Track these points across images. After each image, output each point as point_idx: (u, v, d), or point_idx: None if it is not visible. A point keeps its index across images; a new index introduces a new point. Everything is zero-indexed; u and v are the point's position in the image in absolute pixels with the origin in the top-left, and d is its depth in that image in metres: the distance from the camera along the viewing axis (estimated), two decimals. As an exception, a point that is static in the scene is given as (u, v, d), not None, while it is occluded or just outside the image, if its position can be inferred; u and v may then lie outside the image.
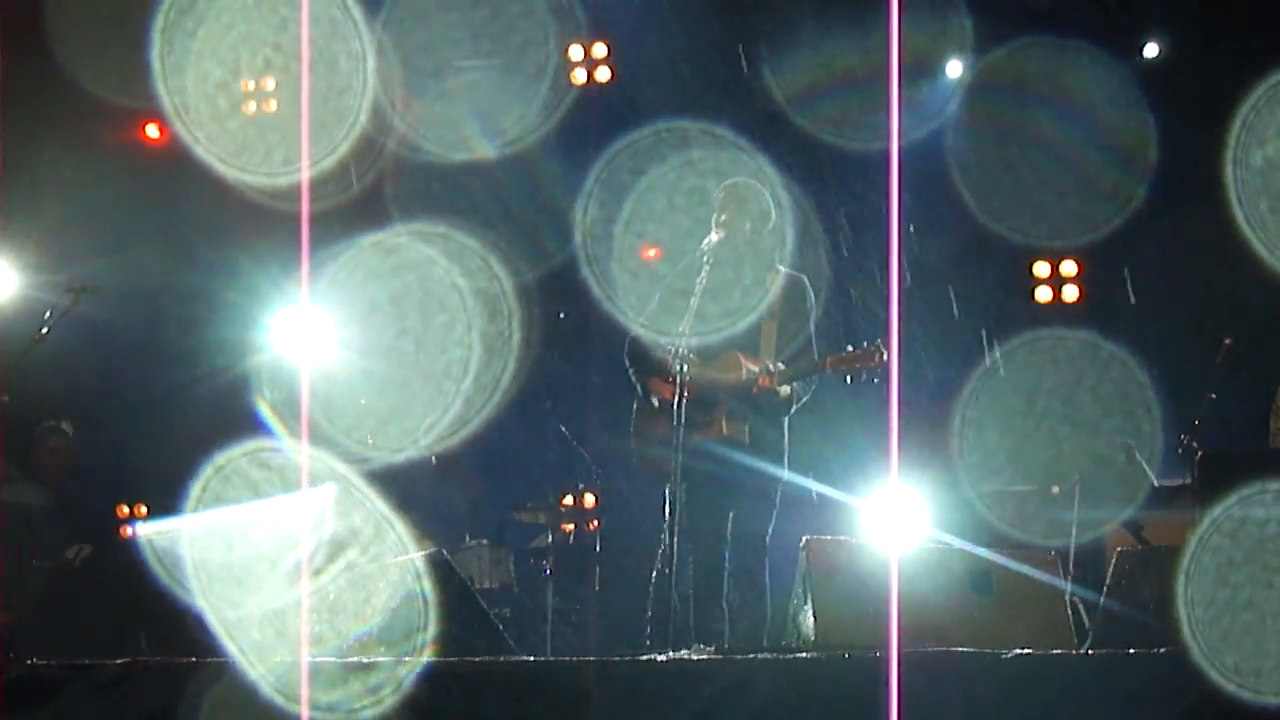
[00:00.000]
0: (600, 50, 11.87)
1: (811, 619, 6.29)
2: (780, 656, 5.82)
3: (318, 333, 10.89)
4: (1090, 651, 6.13)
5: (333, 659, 5.78)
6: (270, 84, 11.74)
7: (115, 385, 11.88)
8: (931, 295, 11.08)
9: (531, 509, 11.11)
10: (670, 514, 6.90)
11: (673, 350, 7.03)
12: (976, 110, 11.24)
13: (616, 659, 5.91)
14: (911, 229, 10.68)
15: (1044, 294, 11.45)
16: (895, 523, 8.57)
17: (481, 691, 5.45)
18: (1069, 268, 11.40)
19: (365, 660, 5.67)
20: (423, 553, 6.47)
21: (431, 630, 6.06)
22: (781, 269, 7.46)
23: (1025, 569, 6.48)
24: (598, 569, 10.57)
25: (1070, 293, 11.42)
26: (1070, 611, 6.55)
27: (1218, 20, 10.69)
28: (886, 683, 5.14)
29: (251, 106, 11.77)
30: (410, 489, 9.78)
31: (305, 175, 9.76)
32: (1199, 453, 6.42)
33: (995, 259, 11.44)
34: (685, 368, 6.98)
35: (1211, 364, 8.45)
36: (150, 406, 11.89)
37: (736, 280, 7.32)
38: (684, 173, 10.56)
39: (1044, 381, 10.61)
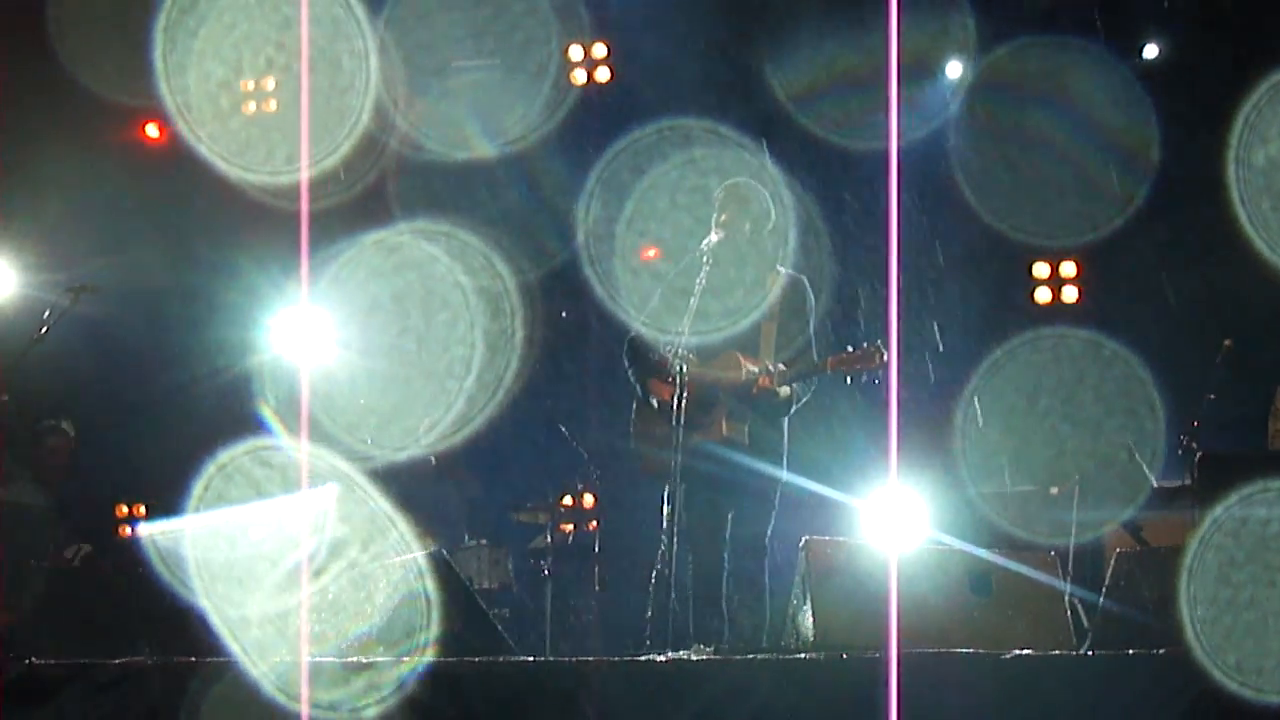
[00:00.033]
0: (600, 50, 11.88)
1: (810, 619, 6.29)
2: (779, 657, 5.83)
3: (319, 332, 10.90)
4: (1089, 652, 6.13)
5: (333, 659, 5.79)
6: (270, 84, 11.74)
7: (115, 385, 11.88)
8: (931, 296, 11.08)
9: (531, 509, 11.12)
10: (669, 514, 6.90)
11: (672, 350, 7.03)
12: (977, 110, 11.24)
13: (616, 659, 5.91)
14: (911, 229, 10.68)
15: (1043, 295, 11.45)
16: (894, 523, 8.58)
17: (480, 691, 5.46)
18: (1068, 269, 11.40)
19: (365, 660, 5.68)
20: (423, 552, 6.47)
21: (432, 630, 6.06)
22: (782, 270, 7.45)
23: (1025, 570, 6.48)
24: (597, 569, 10.57)
25: (1069, 294, 11.42)
26: (1069, 612, 6.54)
27: (1217, 21, 10.69)
28: (886, 683, 5.14)
29: (251, 106, 11.78)
30: (409, 489, 9.79)
31: (305, 174, 9.76)
32: (1198, 454, 6.41)
33: (995, 260, 11.45)
34: (685, 367, 6.98)
35: (1211, 365, 8.45)
36: (150, 406, 11.89)
37: (736, 280, 7.32)
38: (686, 171, 10.56)
39: (1045, 381, 10.61)
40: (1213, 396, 8.38)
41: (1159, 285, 10.91)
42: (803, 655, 5.99)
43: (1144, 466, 9.02)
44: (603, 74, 11.90)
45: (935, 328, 10.99)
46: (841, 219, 10.98)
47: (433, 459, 10.61)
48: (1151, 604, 6.17)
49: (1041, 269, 11.43)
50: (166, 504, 8.05)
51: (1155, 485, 8.88)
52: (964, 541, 7.17)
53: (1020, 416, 10.52)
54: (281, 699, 5.37)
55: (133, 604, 6.99)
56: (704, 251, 7.21)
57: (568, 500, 11.19)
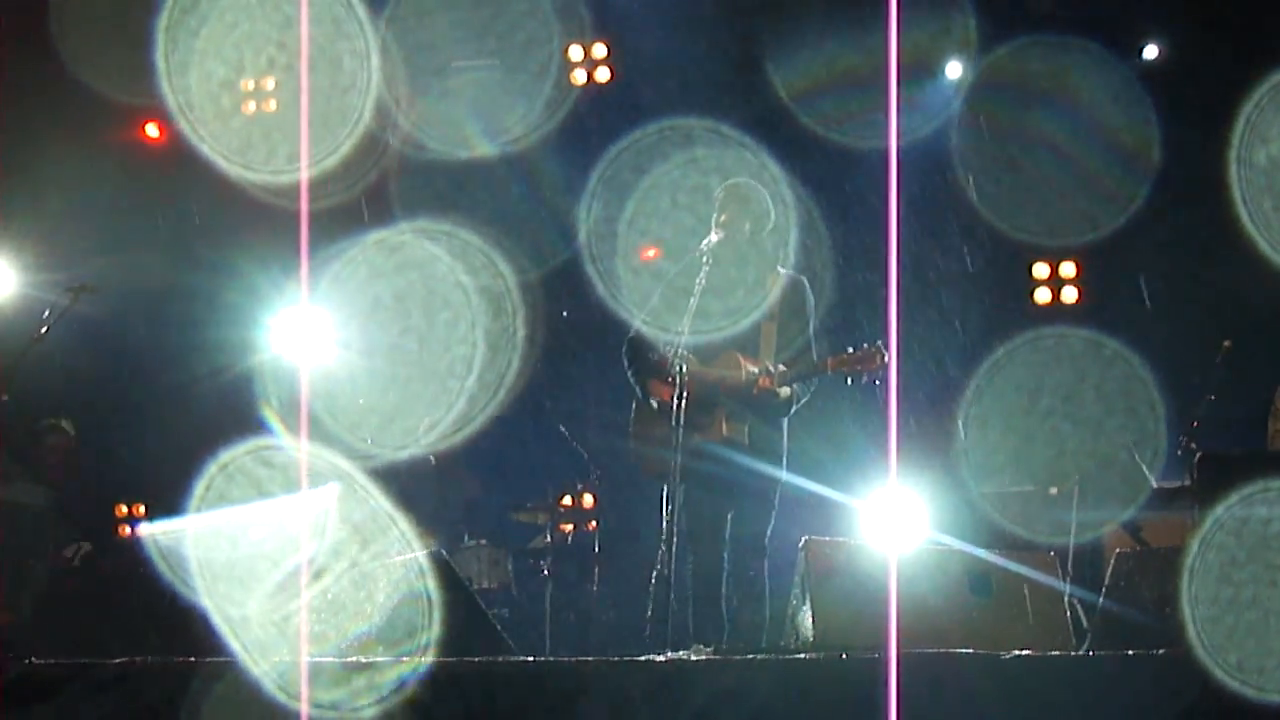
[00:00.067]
0: (600, 50, 11.88)
1: (810, 620, 6.29)
2: (779, 657, 5.83)
3: (321, 331, 10.90)
4: (1089, 653, 6.14)
5: (333, 658, 5.79)
6: (270, 83, 11.74)
7: (114, 385, 11.89)
8: (931, 296, 11.08)
9: (530, 509, 11.12)
10: (669, 515, 6.90)
11: (672, 350, 7.03)
12: (977, 110, 11.24)
13: (615, 659, 5.91)
14: (911, 229, 10.68)
15: (1043, 295, 11.44)
16: (894, 524, 8.58)
17: (480, 692, 5.45)
18: (1068, 269, 11.40)
19: (365, 660, 5.68)
20: (423, 552, 6.48)
21: (432, 630, 6.06)
22: (782, 270, 7.45)
23: (1024, 570, 6.48)
24: (596, 569, 10.57)
25: (1069, 294, 11.42)
26: (1069, 613, 6.55)
27: (1216, 22, 10.69)
28: (885, 684, 5.14)
29: (251, 106, 11.78)
30: (409, 489, 9.80)
31: (304, 174, 9.76)
32: (1197, 454, 6.41)
33: (995, 260, 11.45)
34: (685, 368, 6.98)
35: (1210, 366, 8.45)
36: (149, 406, 11.90)
37: (736, 280, 7.32)
38: (687, 171, 10.56)
39: (1046, 381, 10.61)
40: (1212, 397, 8.39)
41: (1159, 285, 10.91)
42: (802, 655, 5.99)
43: (1143, 467, 9.03)
44: (603, 74, 11.90)
45: (942, 329, 11.01)
46: (842, 219, 10.97)
47: (432, 459, 10.61)
48: (1151, 604, 6.18)
49: (1041, 269, 11.42)
50: (166, 504, 8.06)
51: (1155, 486, 8.88)
52: (963, 542, 7.18)
53: (1020, 416, 10.52)
54: (282, 698, 5.37)
55: (134, 603, 7.00)
56: (704, 251, 7.21)
57: (567, 500, 11.19)
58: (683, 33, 11.36)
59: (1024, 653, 5.62)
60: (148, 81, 10.67)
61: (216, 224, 11.74)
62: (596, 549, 10.64)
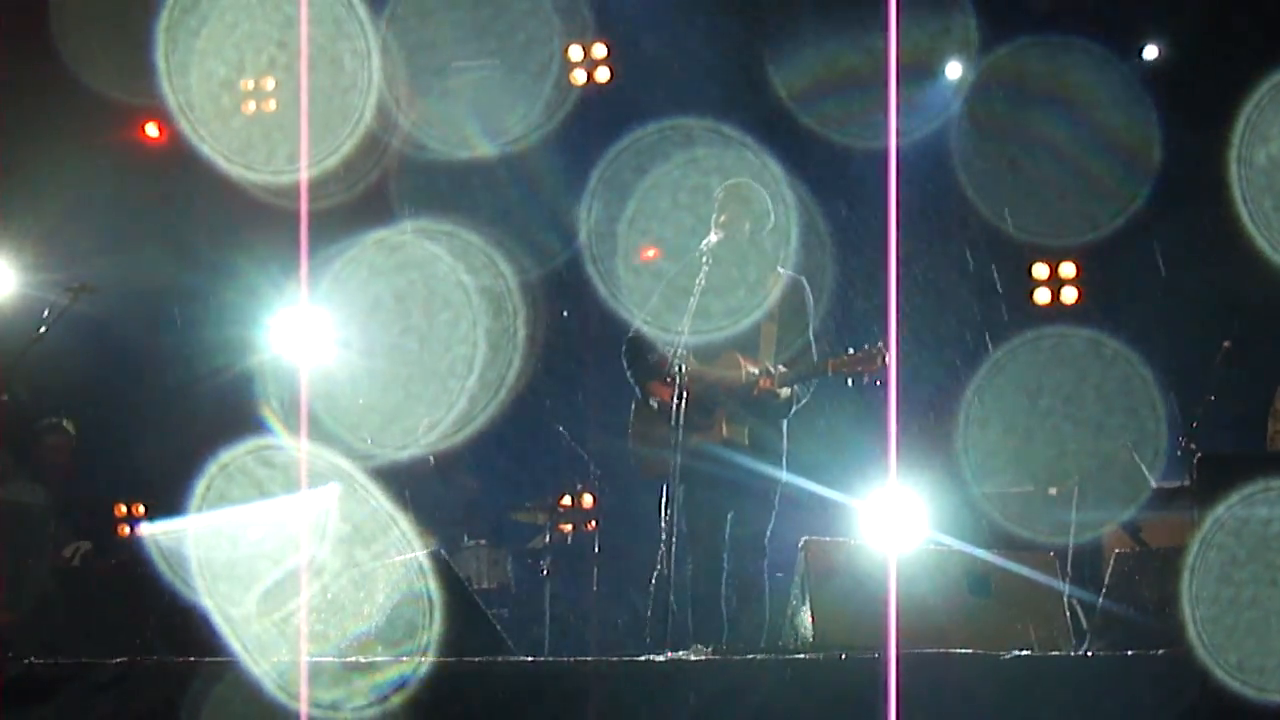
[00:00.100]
0: (600, 51, 11.88)
1: (810, 620, 6.29)
2: (778, 657, 5.83)
3: (322, 331, 10.90)
4: (1088, 653, 6.14)
5: (332, 658, 5.79)
6: (270, 83, 11.75)
7: (114, 384, 11.90)
8: (931, 296, 11.08)
9: (530, 509, 11.11)
10: (668, 515, 6.90)
11: (672, 350, 7.03)
12: (977, 110, 11.24)
13: (615, 659, 5.92)
14: (912, 230, 10.68)
15: (1043, 296, 11.44)
16: (893, 524, 8.58)
17: (480, 691, 5.46)
18: (1068, 269, 11.40)
19: (365, 659, 5.68)
20: (421, 551, 6.48)
21: (432, 630, 6.06)
22: (782, 271, 7.45)
23: (1023, 570, 6.48)
24: (596, 570, 10.56)
25: (1069, 295, 11.41)
26: (1068, 613, 6.55)
27: (1216, 22, 10.69)
28: (884, 684, 5.14)
29: (251, 105, 11.78)
30: (409, 488, 9.80)
31: (304, 174, 9.76)
32: (1197, 455, 6.41)
33: (995, 260, 11.45)
34: (684, 368, 6.97)
35: (1210, 366, 8.45)
36: (149, 405, 11.90)
37: (737, 280, 7.32)
38: (688, 171, 10.56)
39: (1046, 381, 10.61)
40: (1212, 397, 8.39)
41: (1159, 286, 10.91)
42: (802, 655, 5.99)
43: (1143, 468, 9.03)
44: (602, 74, 11.90)
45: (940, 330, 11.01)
46: (842, 219, 10.98)
47: (432, 459, 10.61)
48: (1150, 604, 6.18)
49: (1041, 270, 11.42)
50: (166, 503, 8.06)
51: (1154, 486, 8.88)
52: (963, 542, 7.18)
53: (1020, 417, 10.52)
54: (282, 698, 5.37)
55: (134, 603, 7.00)
56: (704, 251, 7.21)
57: (566, 500, 11.19)
58: (682, 33, 11.36)
59: (1023, 653, 5.63)
60: (147, 81, 10.67)
61: (216, 224, 11.74)
62: (596, 549, 10.64)
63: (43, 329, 8.64)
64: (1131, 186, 10.66)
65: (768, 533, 7.26)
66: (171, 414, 11.66)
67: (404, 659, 5.62)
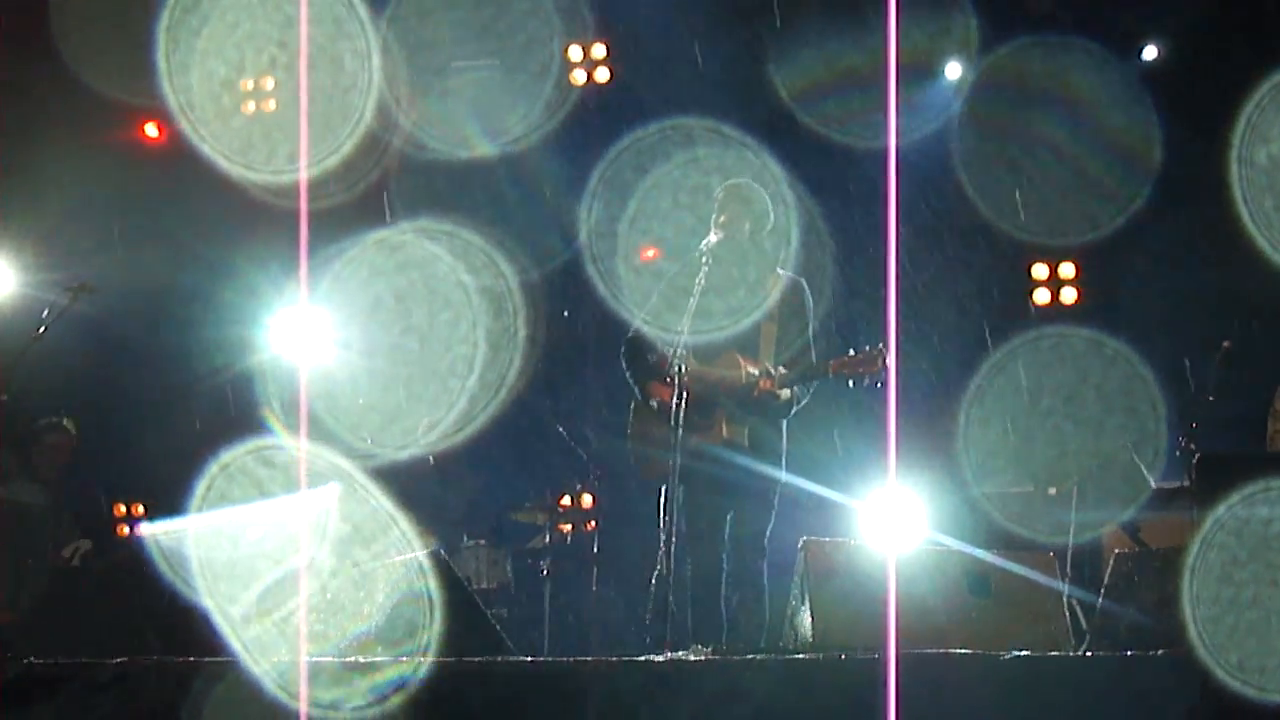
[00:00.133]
0: (599, 51, 11.88)
1: (809, 620, 6.29)
2: (778, 658, 5.83)
3: (322, 331, 10.90)
4: (1087, 653, 6.14)
5: (332, 658, 5.79)
6: (269, 83, 11.75)
7: (113, 384, 11.89)
8: (931, 296, 11.08)
9: (529, 509, 11.11)
10: (668, 515, 6.91)
11: (671, 351, 7.02)
12: (977, 111, 11.23)
13: (614, 659, 5.91)
14: (912, 230, 10.69)
15: (1042, 296, 11.43)
16: (893, 524, 8.58)
17: (479, 692, 5.46)
18: (1067, 270, 11.39)
19: (364, 659, 5.68)
20: (420, 551, 6.48)
21: (432, 629, 6.06)
22: (782, 272, 7.45)
23: (1023, 571, 6.48)
24: (595, 570, 10.56)
25: (1068, 295, 11.41)
26: (1068, 613, 6.55)
27: (1215, 22, 10.69)
28: (884, 684, 5.14)
29: (251, 105, 11.78)
30: (408, 488, 9.78)
31: (303, 174, 9.77)
32: (1196, 455, 6.41)
33: (994, 261, 11.45)
34: (684, 368, 6.97)
35: (1210, 366, 8.45)
36: (148, 405, 11.90)
37: (736, 281, 7.31)
38: (688, 171, 10.56)
39: (1046, 381, 10.61)
40: (1211, 398, 8.39)
41: (1158, 286, 10.91)
42: (801, 656, 5.99)
43: (1143, 469, 9.03)
44: (602, 74, 11.90)
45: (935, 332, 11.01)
46: (843, 219, 10.97)
47: (431, 459, 10.61)
48: (1149, 605, 6.18)
49: (1041, 270, 11.41)
50: (165, 503, 8.06)
51: (1154, 486, 8.88)
52: (962, 542, 7.17)
53: (1020, 417, 10.52)
54: (282, 698, 5.37)
55: (134, 603, 7.00)
56: (703, 251, 7.21)
57: (566, 500, 11.19)
58: (682, 33, 11.36)
59: (1023, 653, 5.62)
60: (147, 81, 10.67)
61: (216, 224, 11.74)
62: (595, 549, 10.64)
63: (42, 328, 8.65)
64: (1131, 186, 10.66)
65: (767, 533, 7.26)
66: (171, 414, 11.66)
67: (404, 659, 5.62)
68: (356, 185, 11.17)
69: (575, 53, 11.87)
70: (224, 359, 11.38)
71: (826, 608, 6.28)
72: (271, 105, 11.79)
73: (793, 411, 7.32)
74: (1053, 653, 6.08)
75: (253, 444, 7.89)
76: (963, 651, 5.74)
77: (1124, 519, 8.60)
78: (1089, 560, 8.60)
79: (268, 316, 11.12)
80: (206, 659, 5.71)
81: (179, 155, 11.34)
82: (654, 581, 6.87)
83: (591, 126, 11.69)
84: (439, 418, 10.58)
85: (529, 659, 6.11)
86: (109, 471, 11.45)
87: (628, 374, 7.43)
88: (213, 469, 7.68)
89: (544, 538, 11.02)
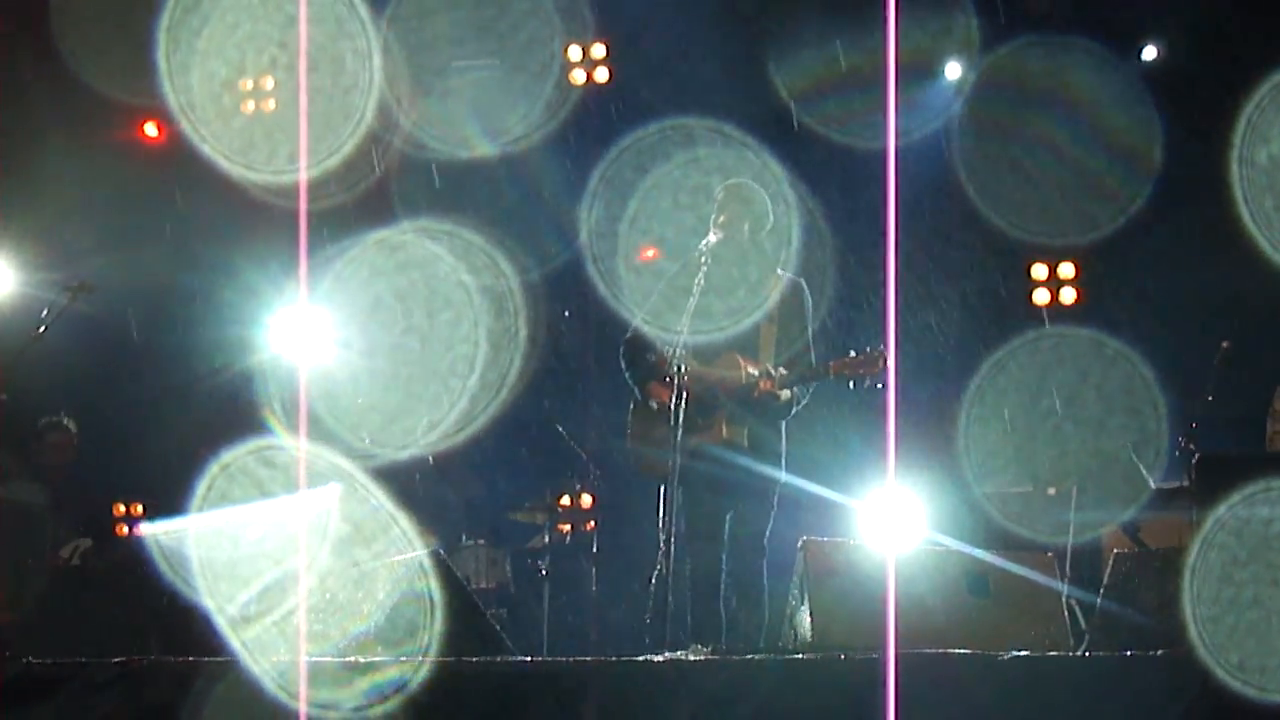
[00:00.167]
0: (599, 51, 11.88)
1: (809, 620, 6.29)
2: (777, 657, 5.83)
3: (323, 331, 10.91)
4: (1086, 653, 6.14)
5: (332, 658, 5.79)
6: (269, 83, 11.75)
7: (112, 383, 11.89)
8: (930, 297, 11.08)
9: (528, 509, 11.11)
10: (667, 515, 6.91)
11: (671, 351, 7.02)
12: (977, 111, 11.23)
13: (613, 659, 5.92)
14: (912, 230, 10.68)
15: (1041, 296, 11.43)
16: (892, 524, 8.58)
17: (478, 691, 5.46)
18: (1067, 270, 11.39)
19: (365, 659, 5.69)
20: (419, 551, 6.48)
21: (433, 629, 6.06)
22: (782, 272, 7.44)
23: (1022, 571, 6.48)
24: (594, 569, 10.56)
25: (1068, 295, 11.40)
26: (1067, 613, 6.55)
27: (1215, 22, 10.69)
28: (883, 684, 5.14)
29: (250, 105, 11.78)
30: (407, 488, 9.79)
31: (303, 174, 9.77)
32: (1196, 455, 6.41)
33: (994, 261, 11.45)
34: (684, 368, 6.97)
35: (1209, 366, 8.45)
36: (148, 405, 11.90)
37: (736, 281, 7.31)
38: (689, 171, 10.56)
39: (1046, 381, 10.60)
40: (1211, 398, 8.39)
41: (1158, 286, 10.91)
42: (801, 656, 5.99)
43: (1142, 469, 9.03)
44: (602, 74, 11.90)
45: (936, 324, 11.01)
46: (843, 219, 10.97)
47: (430, 458, 10.61)
48: (1149, 605, 6.18)
49: (1040, 270, 11.40)
50: (164, 503, 8.06)
51: (1153, 486, 8.88)
52: (962, 542, 7.18)
53: (1020, 416, 10.52)
54: (282, 698, 5.37)
55: (134, 603, 7.00)
56: (703, 251, 7.21)
57: (565, 500, 11.18)
58: (682, 33, 11.36)
59: (1022, 653, 5.62)
60: (147, 81, 10.67)
61: (216, 223, 11.74)
62: (595, 549, 10.64)
63: (42, 328, 8.65)
64: (1131, 186, 10.66)
65: (767, 533, 7.26)
66: (170, 413, 11.66)
67: (403, 659, 5.62)
68: (357, 185, 11.17)
69: (575, 52, 11.86)
70: (224, 359, 11.38)
71: (826, 608, 6.28)
72: (272, 105, 11.79)
73: (793, 412, 7.32)
74: (1052, 653, 6.09)
75: (253, 444, 7.90)
76: (962, 652, 5.73)
77: (1124, 519, 8.60)
78: (1088, 560, 8.60)
79: (268, 316, 11.12)
80: (206, 659, 5.71)
81: (178, 155, 11.34)
82: (653, 581, 6.87)
83: (591, 126, 11.69)
84: (440, 418, 10.58)
85: (528, 659, 6.11)
86: (108, 471, 11.45)
87: (627, 374, 7.43)
88: (213, 469, 7.68)
89: (543, 538, 11.02)
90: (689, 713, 5.32)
